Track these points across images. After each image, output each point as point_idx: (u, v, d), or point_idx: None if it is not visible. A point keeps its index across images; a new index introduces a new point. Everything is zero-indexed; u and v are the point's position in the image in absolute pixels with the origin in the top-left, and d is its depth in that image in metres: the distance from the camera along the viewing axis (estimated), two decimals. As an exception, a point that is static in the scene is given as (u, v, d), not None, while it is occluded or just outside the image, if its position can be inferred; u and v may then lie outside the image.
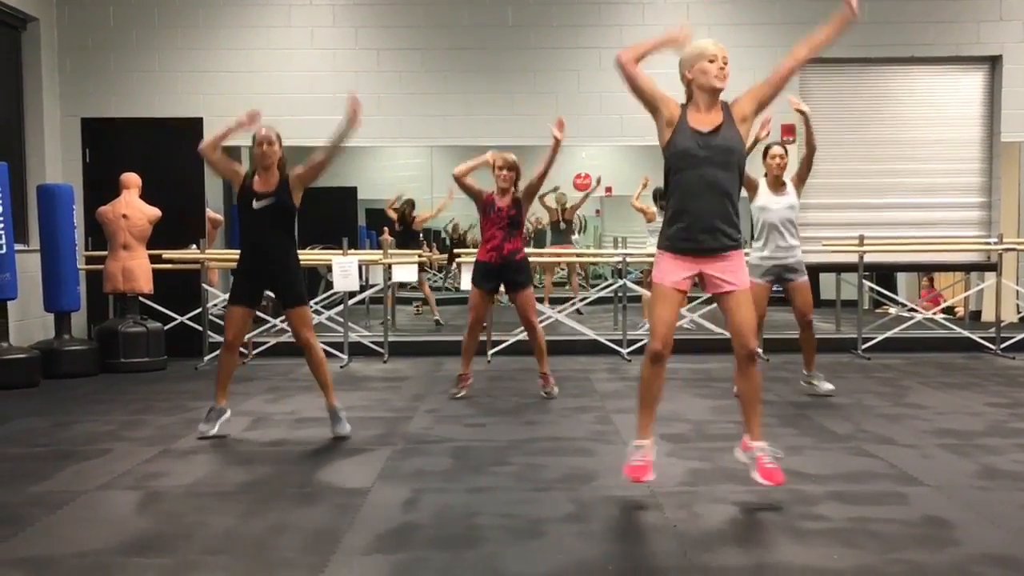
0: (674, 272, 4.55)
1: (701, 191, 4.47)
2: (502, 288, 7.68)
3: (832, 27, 4.71)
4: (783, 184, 7.31)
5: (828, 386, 7.47)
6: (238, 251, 6.43)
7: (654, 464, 4.60)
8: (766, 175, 7.32)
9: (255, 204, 5.97)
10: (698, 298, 10.36)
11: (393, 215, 13.35)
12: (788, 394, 7.57)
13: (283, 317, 6.49)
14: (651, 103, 4.68)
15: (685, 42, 4.61)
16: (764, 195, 7.30)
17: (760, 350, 9.27)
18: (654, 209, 11.51)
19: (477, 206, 7.58)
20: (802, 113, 7.15)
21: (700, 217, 4.48)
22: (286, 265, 6.07)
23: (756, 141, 6.96)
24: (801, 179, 7.36)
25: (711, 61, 4.50)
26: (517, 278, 7.51)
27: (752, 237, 7.49)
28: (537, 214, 15.04)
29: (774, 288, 7.48)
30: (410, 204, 13.24)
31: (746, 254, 7.72)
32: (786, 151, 7.36)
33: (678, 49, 4.59)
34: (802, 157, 7.42)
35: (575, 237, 14.84)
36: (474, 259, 7.74)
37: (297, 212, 6.12)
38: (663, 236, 4.62)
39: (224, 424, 6.19)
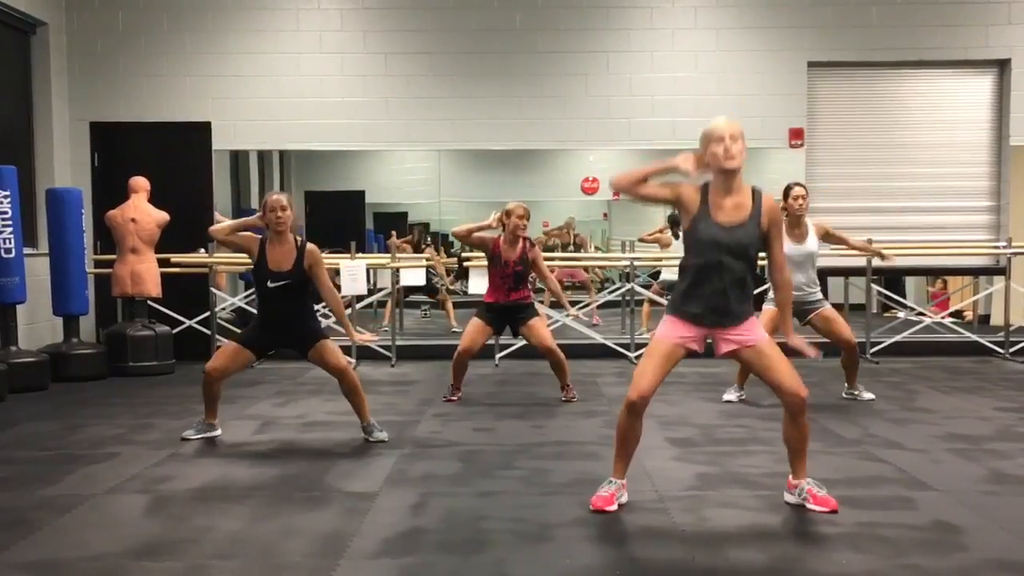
0: (679, 332, 4.45)
1: (716, 279, 4.36)
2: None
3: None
4: (804, 228, 7.12)
5: (869, 395, 7.47)
6: (246, 257, 6.40)
7: (618, 499, 4.56)
8: (786, 215, 7.03)
9: (270, 284, 5.94)
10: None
11: (407, 248, 13.30)
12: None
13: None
14: (669, 203, 4.54)
15: (691, 169, 4.32)
16: (784, 242, 7.15)
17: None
18: (669, 235, 11.52)
19: (485, 254, 7.57)
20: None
21: (714, 301, 4.39)
22: (302, 322, 6.07)
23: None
24: (825, 238, 7.23)
25: (719, 141, 4.27)
26: (523, 315, 7.49)
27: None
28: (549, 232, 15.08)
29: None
30: (420, 233, 13.32)
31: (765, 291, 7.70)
32: (807, 191, 7.17)
33: (684, 174, 4.32)
34: (840, 237, 7.37)
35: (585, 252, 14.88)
36: (483, 266, 7.74)
37: (310, 280, 6.05)
38: (674, 302, 4.52)
39: (209, 436, 6.20)
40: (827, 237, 7.29)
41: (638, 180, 4.36)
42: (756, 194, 4.41)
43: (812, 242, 7.16)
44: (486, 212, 7.67)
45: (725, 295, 4.37)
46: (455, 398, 7.64)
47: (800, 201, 7.05)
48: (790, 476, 4.61)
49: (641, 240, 12.44)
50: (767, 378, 4.45)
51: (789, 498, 4.60)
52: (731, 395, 7.46)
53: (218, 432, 6.26)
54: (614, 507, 4.51)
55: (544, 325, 7.69)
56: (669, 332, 4.47)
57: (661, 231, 12.09)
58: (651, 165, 4.38)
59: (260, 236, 6.03)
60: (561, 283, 13.33)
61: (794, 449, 4.55)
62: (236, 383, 8.61)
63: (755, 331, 4.45)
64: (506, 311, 7.50)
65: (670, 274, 10.72)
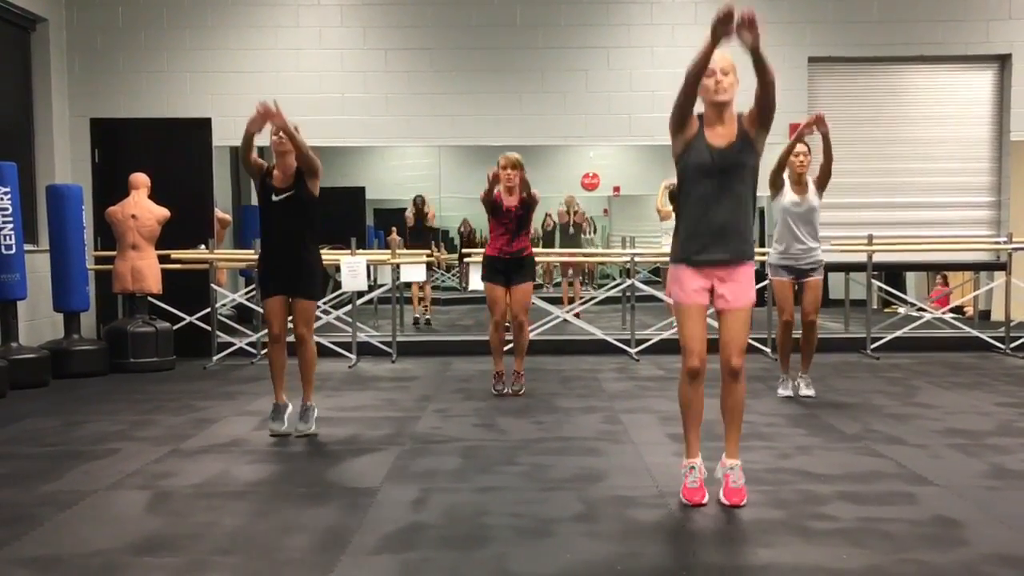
0: (692, 284, 4.53)
1: (715, 201, 4.46)
2: None
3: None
4: (804, 183, 7.29)
5: (810, 392, 7.46)
6: (247, 251, 6.47)
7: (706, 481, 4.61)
8: (789, 173, 7.29)
9: (274, 197, 6.09)
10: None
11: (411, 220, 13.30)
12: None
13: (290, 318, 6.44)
14: (686, 119, 4.54)
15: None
16: (787, 194, 7.28)
17: (769, 350, 9.26)
18: (669, 208, 11.49)
19: (487, 208, 7.61)
20: (822, 132, 7.13)
21: (714, 227, 4.47)
22: (305, 257, 6.14)
23: (800, 138, 7.07)
24: (821, 185, 7.34)
25: (710, 75, 4.42)
26: (520, 272, 7.63)
27: (774, 237, 7.44)
28: (549, 212, 15.06)
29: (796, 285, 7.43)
30: (422, 200, 13.25)
31: (764, 255, 7.72)
32: (809, 149, 7.31)
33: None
34: (821, 165, 7.37)
35: (587, 237, 14.83)
36: (482, 257, 7.79)
37: (318, 203, 6.15)
38: (677, 248, 4.59)
39: (291, 418, 6.27)
40: (822, 181, 7.34)
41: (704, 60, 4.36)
42: (740, 117, 4.54)
43: (813, 197, 7.30)
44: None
45: (723, 218, 4.47)
46: (505, 390, 7.70)
47: (801, 158, 7.23)
48: (724, 454, 4.66)
49: (657, 210, 12.33)
50: (723, 336, 4.59)
51: (717, 471, 4.66)
52: (785, 390, 7.52)
53: (291, 407, 6.31)
54: (706, 500, 4.52)
55: (529, 293, 7.76)
56: (685, 289, 4.54)
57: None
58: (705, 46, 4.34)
59: (268, 164, 6.25)
60: (566, 270, 13.38)
61: (728, 419, 4.66)
62: (237, 379, 8.63)
63: (747, 293, 4.55)
64: (508, 264, 7.61)
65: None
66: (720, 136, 4.48)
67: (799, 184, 7.29)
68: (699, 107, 4.51)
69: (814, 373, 7.81)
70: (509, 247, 7.59)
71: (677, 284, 4.58)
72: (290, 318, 6.25)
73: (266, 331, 6.42)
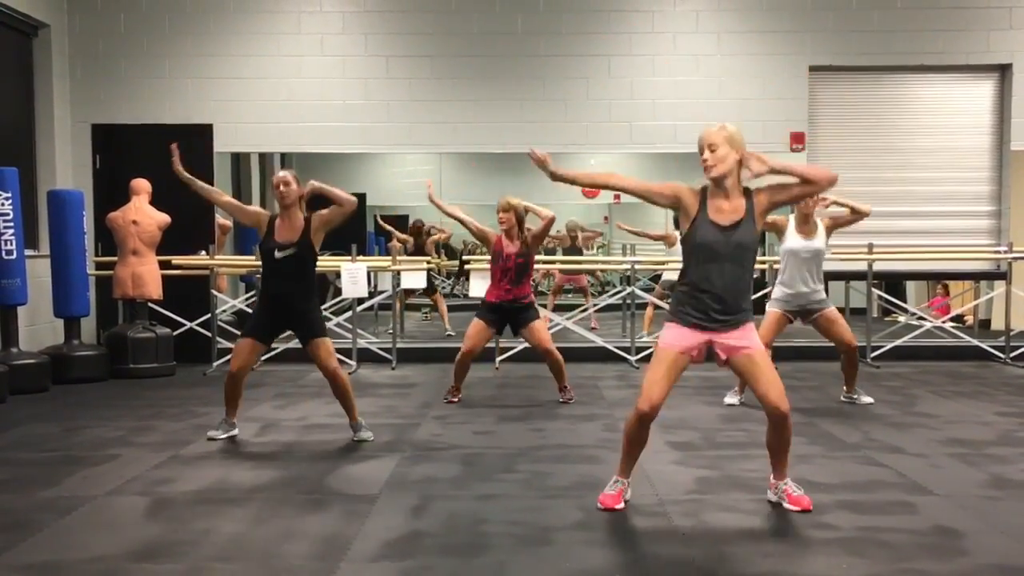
0: (682, 340, 4.51)
1: (717, 279, 4.44)
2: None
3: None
4: (812, 224, 7.17)
5: (868, 399, 7.48)
6: (247, 257, 6.50)
7: (627, 493, 4.66)
8: (795, 215, 7.16)
9: (276, 254, 6.04)
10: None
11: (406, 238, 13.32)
12: (797, 402, 7.53)
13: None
14: (670, 205, 4.58)
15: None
16: (791, 237, 7.14)
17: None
18: (676, 233, 11.49)
19: (487, 250, 7.61)
20: (841, 204, 7.15)
21: (714, 301, 4.45)
22: (305, 308, 6.13)
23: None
24: (836, 225, 7.27)
25: (701, 152, 4.42)
26: (523, 316, 7.53)
27: (777, 276, 7.36)
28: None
29: (791, 321, 7.37)
30: (421, 224, 13.31)
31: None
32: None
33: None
34: (847, 212, 7.30)
35: (592, 253, 14.85)
36: (480, 301, 7.76)
37: (316, 256, 6.15)
38: (675, 307, 4.57)
39: (231, 435, 6.34)
40: (835, 226, 7.32)
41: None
42: (748, 192, 4.49)
43: (820, 240, 7.20)
44: (487, 215, 7.70)
45: (724, 298, 4.44)
46: (456, 399, 7.66)
47: (806, 201, 7.03)
48: (771, 475, 4.68)
49: (645, 235, 12.42)
50: (753, 388, 4.52)
51: (770, 496, 4.69)
52: (732, 398, 7.46)
53: (236, 431, 6.35)
54: (621, 505, 4.57)
55: (544, 327, 7.74)
56: (673, 340, 4.52)
57: (666, 235, 12.09)
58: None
59: (271, 213, 6.21)
60: (560, 288, 13.38)
61: (775, 454, 4.65)
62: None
63: (750, 339, 4.50)
64: (507, 311, 7.54)
65: (672, 275, 10.74)
66: (724, 214, 4.43)
67: (806, 224, 7.15)
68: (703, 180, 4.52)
69: (813, 381, 7.83)
70: (508, 296, 7.49)
71: (666, 335, 4.57)
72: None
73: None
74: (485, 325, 7.55)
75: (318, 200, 6.09)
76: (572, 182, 4.83)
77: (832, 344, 7.42)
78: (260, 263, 6.31)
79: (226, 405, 6.34)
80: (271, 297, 6.15)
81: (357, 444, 6.11)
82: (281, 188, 6.05)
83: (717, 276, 4.42)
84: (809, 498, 4.55)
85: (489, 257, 7.62)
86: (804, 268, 7.12)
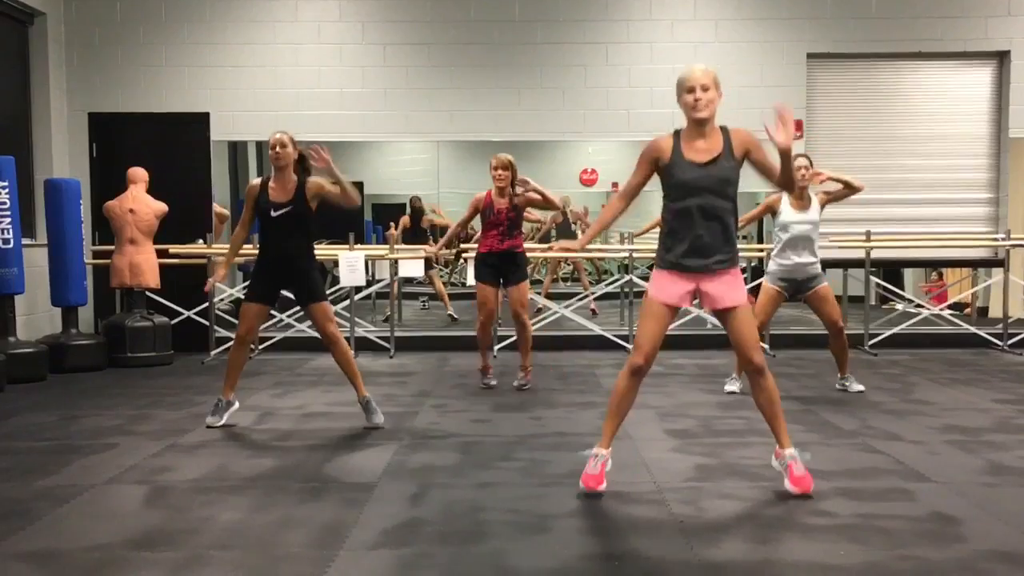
0: (669, 288, 4.58)
1: (698, 218, 4.49)
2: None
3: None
4: (806, 199, 7.18)
5: (859, 387, 7.47)
6: (244, 246, 6.52)
7: (607, 474, 4.65)
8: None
9: (272, 213, 6.10)
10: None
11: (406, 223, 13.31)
12: (794, 390, 7.56)
13: (291, 312, 6.52)
14: (653, 174, 4.65)
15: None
16: (786, 211, 7.15)
17: (767, 346, 9.27)
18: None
19: (479, 213, 7.69)
20: (836, 180, 7.17)
21: (697, 243, 4.51)
22: (303, 267, 6.18)
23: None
24: (830, 199, 7.28)
25: (690, 91, 4.45)
26: (515, 271, 7.64)
27: (773, 252, 7.37)
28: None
29: (787, 298, 7.38)
30: (418, 200, 13.24)
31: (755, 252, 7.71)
32: (811, 162, 7.23)
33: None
34: (841, 187, 7.32)
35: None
36: (474, 255, 7.82)
37: (314, 216, 6.19)
38: (659, 256, 4.65)
39: (232, 416, 6.32)
40: (829, 199, 7.32)
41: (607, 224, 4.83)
42: (724, 130, 4.55)
43: (815, 212, 7.21)
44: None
45: (706, 236, 4.50)
46: (493, 383, 7.78)
47: (802, 172, 7.08)
48: (776, 445, 4.69)
49: (641, 234, 12.43)
50: (733, 339, 4.64)
51: (774, 463, 4.73)
52: (733, 386, 7.46)
53: (236, 406, 6.37)
54: (604, 485, 4.57)
55: (526, 291, 7.79)
56: (660, 290, 4.60)
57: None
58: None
59: (261, 179, 6.24)
60: (557, 265, 13.36)
61: (767, 416, 4.69)
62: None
63: (736, 291, 4.58)
64: (501, 259, 7.61)
65: None
66: (701, 152, 4.49)
67: (800, 199, 7.16)
68: (679, 123, 4.58)
69: (809, 369, 7.83)
70: (500, 245, 7.59)
71: (654, 284, 4.64)
72: (288, 316, 6.24)
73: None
74: (487, 284, 7.66)
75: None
76: (605, 227, 4.96)
77: (819, 319, 7.42)
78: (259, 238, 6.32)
79: (227, 379, 6.30)
80: (271, 258, 6.19)
81: (356, 432, 6.08)
82: (277, 149, 6.10)
83: (698, 212, 4.48)
84: (811, 480, 4.55)
85: (480, 216, 7.71)
86: (798, 242, 7.13)
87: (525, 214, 7.88)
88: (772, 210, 7.24)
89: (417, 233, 12.96)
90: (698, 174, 4.46)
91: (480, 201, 7.64)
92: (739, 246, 4.77)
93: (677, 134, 4.56)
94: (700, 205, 4.47)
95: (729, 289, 4.56)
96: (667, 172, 4.54)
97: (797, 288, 7.27)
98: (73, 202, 9.06)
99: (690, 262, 4.53)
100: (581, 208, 14.10)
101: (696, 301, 4.72)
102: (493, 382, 7.79)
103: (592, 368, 8.84)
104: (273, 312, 9.95)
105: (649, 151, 4.58)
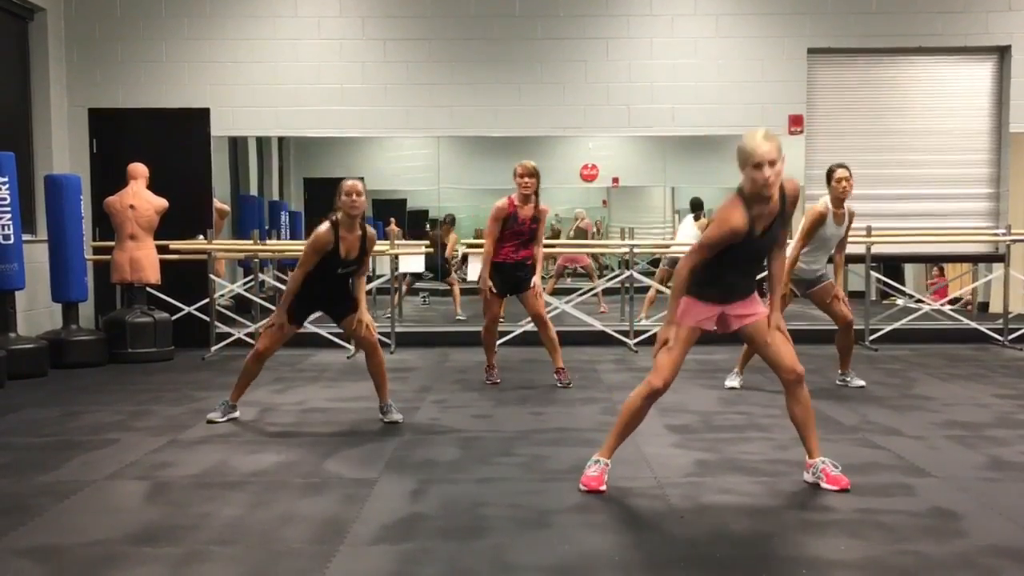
0: (697, 314, 4.52)
1: (745, 271, 4.55)
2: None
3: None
4: (844, 209, 7.22)
5: (860, 382, 7.48)
6: (245, 242, 6.49)
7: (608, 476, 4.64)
8: (830, 199, 7.14)
9: (340, 271, 6.09)
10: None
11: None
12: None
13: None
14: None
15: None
16: (830, 224, 7.13)
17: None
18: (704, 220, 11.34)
19: (502, 219, 7.53)
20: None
21: (727, 288, 4.55)
22: (342, 293, 6.24)
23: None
24: (849, 223, 7.31)
25: (758, 167, 4.22)
26: (524, 280, 7.59)
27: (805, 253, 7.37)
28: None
29: (795, 295, 7.38)
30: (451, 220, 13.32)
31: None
32: (850, 173, 7.15)
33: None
34: (846, 238, 7.39)
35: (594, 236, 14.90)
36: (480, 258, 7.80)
37: None
38: (695, 288, 4.49)
39: (232, 417, 6.37)
40: (849, 223, 7.37)
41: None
42: (781, 188, 4.40)
43: (844, 225, 7.29)
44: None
45: (740, 283, 4.55)
46: (497, 380, 7.75)
47: (844, 184, 7.09)
48: (807, 456, 4.68)
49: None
50: (765, 353, 4.59)
51: (807, 477, 4.68)
52: (733, 381, 7.47)
53: (238, 414, 6.38)
54: (604, 487, 4.56)
55: (539, 293, 7.72)
56: (685, 314, 4.52)
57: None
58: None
59: (328, 222, 5.99)
60: (562, 270, 13.41)
61: (801, 426, 4.65)
62: (235, 370, 8.59)
63: (758, 306, 4.60)
64: (512, 270, 7.58)
65: (674, 255, 10.75)
66: (763, 219, 4.37)
67: (840, 209, 7.20)
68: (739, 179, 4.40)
69: (811, 364, 7.78)
70: (515, 255, 7.55)
71: (684, 306, 4.52)
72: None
73: (269, 324, 6.34)
74: (495, 296, 7.65)
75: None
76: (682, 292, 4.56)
77: (831, 327, 7.44)
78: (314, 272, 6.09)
79: (236, 386, 6.35)
80: (318, 295, 6.17)
81: (357, 428, 6.10)
82: (355, 198, 5.96)
83: (746, 270, 4.54)
84: (847, 478, 4.56)
85: (500, 227, 7.56)
86: (828, 248, 7.27)
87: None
88: (815, 224, 7.16)
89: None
90: (760, 244, 4.43)
91: (503, 210, 7.47)
92: None
93: (746, 203, 4.32)
94: (747, 266, 4.53)
95: (750, 307, 4.58)
96: (739, 244, 4.36)
97: (806, 286, 7.31)
98: (73, 198, 9.06)
99: (721, 301, 4.55)
100: (590, 222, 14.17)
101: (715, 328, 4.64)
102: (498, 380, 7.77)
103: (593, 364, 8.84)
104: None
105: (730, 233, 4.30)
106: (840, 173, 7.12)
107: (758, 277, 4.67)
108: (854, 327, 7.47)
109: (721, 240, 4.33)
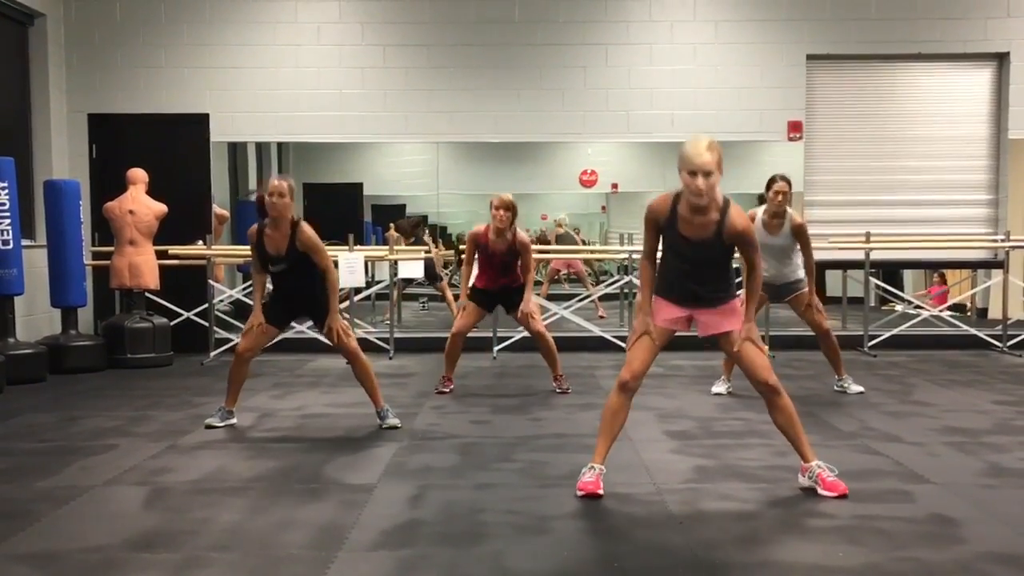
0: (663, 311, 4.64)
1: (689, 278, 4.59)
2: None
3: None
4: (781, 219, 7.00)
5: (858, 388, 7.47)
6: (244, 247, 6.51)
7: (603, 482, 4.65)
8: (765, 208, 7.04)
9: (271, 268, 6.12)
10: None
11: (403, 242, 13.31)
12: (793, 391, 7.51)
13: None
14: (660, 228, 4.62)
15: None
16: (761, 234, 6.87)
17: (766, 347, 9.28)
18: None
19: (477, 248, 7.54)
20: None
21: (687, 293, 4.62)
22: (314, 295, 6.16)
23: None
24: (797, 233, 7.03)
25: (691, 174, 4.30)
26: (516, 298, 7.54)
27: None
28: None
29: (767, 302, 7.37)
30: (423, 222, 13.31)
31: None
32: (789, 186, 6.98)
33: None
34: (806, 247, 7.10)
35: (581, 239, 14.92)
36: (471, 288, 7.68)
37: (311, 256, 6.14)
38: (658, 283, 4.68)
39: (229, 423, 6.37)
40: (798, 236, 7.07)
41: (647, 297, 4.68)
42: (724, 210, 4.46)
43: (785, 236, 7.06)
44: (483, 204, 7.70)
45: (694, 289, 4.60)
46: (447, 389, 7.65)
47: (780, 197, 6.93)
48: (801, 461, 4.68)
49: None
50: (738, 362, 4.66)
51: (802, 481, 4.68)
52: (720, 387, 7.46)
53: (234, 420, 6.37)
54: (601, 491, 4.56)
55: (531, 310, 7.68)
56: (656, 313, 4.65)
57: None
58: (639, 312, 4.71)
59: (258, 225, 6.14)
60: (557, 272, 13.44)
61: (788, 433, 4.68)
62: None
63: (730, 318, 4.62)
64: (498, 295, 7.61)
65: None
66: (695, 228, 4.47)
67: (775, 218, 7.00)
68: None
69: (808, 371, 7.82)
70: (494, 284, 7.55)
71: (653, 303, 4.67)
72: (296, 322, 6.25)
73: (249, 326, 6.29)
74: (476, 306, 7.62)
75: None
76: (652, 288, 4.72)
77: (807, 325, 7.44)
78: None
79: (228, 390, 6.35)
80: (284, 295, 6.24)
81: (356, 433, 6.11)
82: (275, 199, 5.91)
83: (693, 274, 4.57)
84: (844, 483, 4.56)
85: (473, 252, 7.57)
86: (771, 256, 6.99)
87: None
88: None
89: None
90: (687, 250, 4.51)
91: (478, 237, 7.45)
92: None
93: (677, 198, 4.50)
94: (690, 271, 4.56)
95: (723, 318, 4.62)
96: (663, 234, 4.57)
97: (774, 293, 7.27)
98: (73, 203, 9.06)
99: (683, 303, 4.63)
100: (568, 230, 14.23)
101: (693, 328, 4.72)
102: (447, 390, 7.62)
103: (591, 369, 8.84)
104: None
105: (649, 217, 4.56)
106: (778, 186, 6.92)
107: (723, 286, 4.64)
108: (834, 333, 7.43)
109: (646, 220, 4.57)
